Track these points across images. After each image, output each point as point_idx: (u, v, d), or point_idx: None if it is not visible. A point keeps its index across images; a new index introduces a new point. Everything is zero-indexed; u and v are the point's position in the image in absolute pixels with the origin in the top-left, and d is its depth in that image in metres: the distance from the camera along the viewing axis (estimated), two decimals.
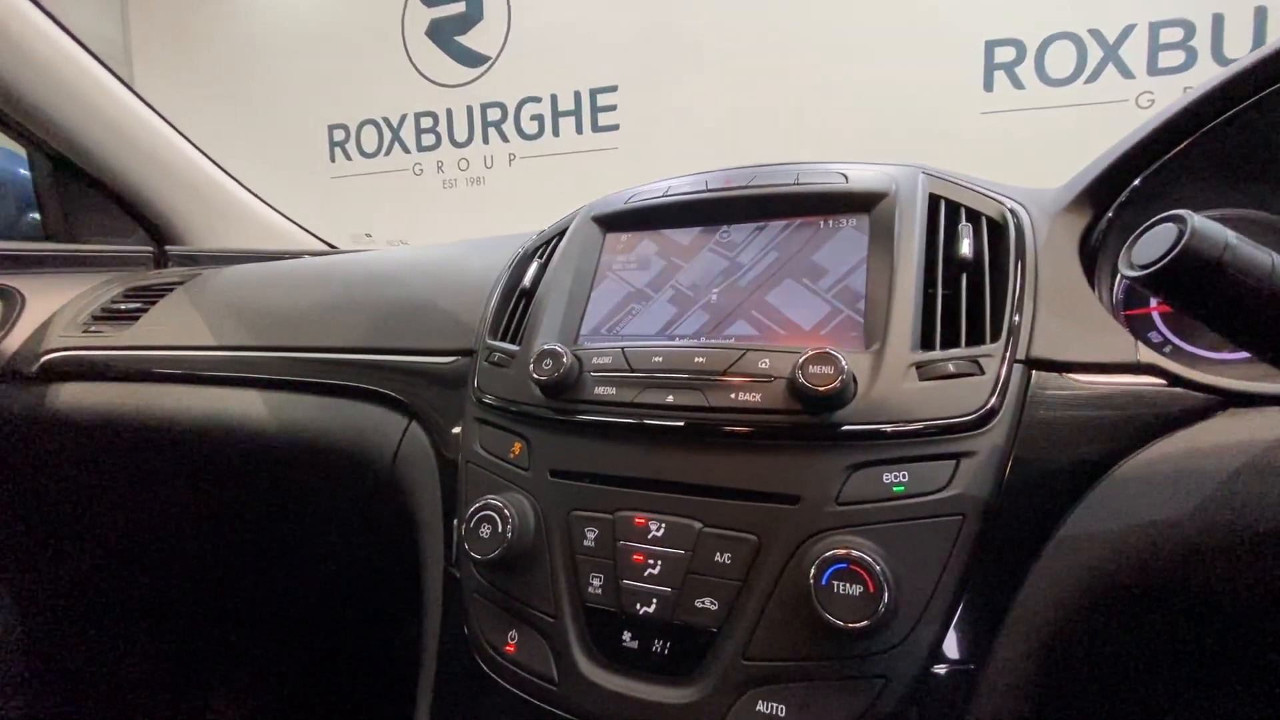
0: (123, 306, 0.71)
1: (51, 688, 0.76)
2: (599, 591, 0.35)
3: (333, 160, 4.28)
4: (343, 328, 0.58)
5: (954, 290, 0.37)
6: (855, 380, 0.33)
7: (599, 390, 0.39)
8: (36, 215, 0.87)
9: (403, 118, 4.07)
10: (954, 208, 0.40)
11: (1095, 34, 2.57)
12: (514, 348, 0.45)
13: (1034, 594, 0.30)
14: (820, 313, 0.39)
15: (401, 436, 0.51)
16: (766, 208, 0.44)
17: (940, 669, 0.31)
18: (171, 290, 0.72)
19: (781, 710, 0.30)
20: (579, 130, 3.56)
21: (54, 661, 0.77)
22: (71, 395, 0.67)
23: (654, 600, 0.34)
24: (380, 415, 0.53)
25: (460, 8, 3.79)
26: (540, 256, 0.51)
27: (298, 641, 0.77)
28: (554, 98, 3.61)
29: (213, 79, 4.21)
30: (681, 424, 0.36)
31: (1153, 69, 2.51)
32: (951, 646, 0.31)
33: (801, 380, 0.32)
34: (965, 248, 0.37)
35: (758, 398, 0.34)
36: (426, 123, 4.02)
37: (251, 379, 0.60)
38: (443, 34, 3.85)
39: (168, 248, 0.86)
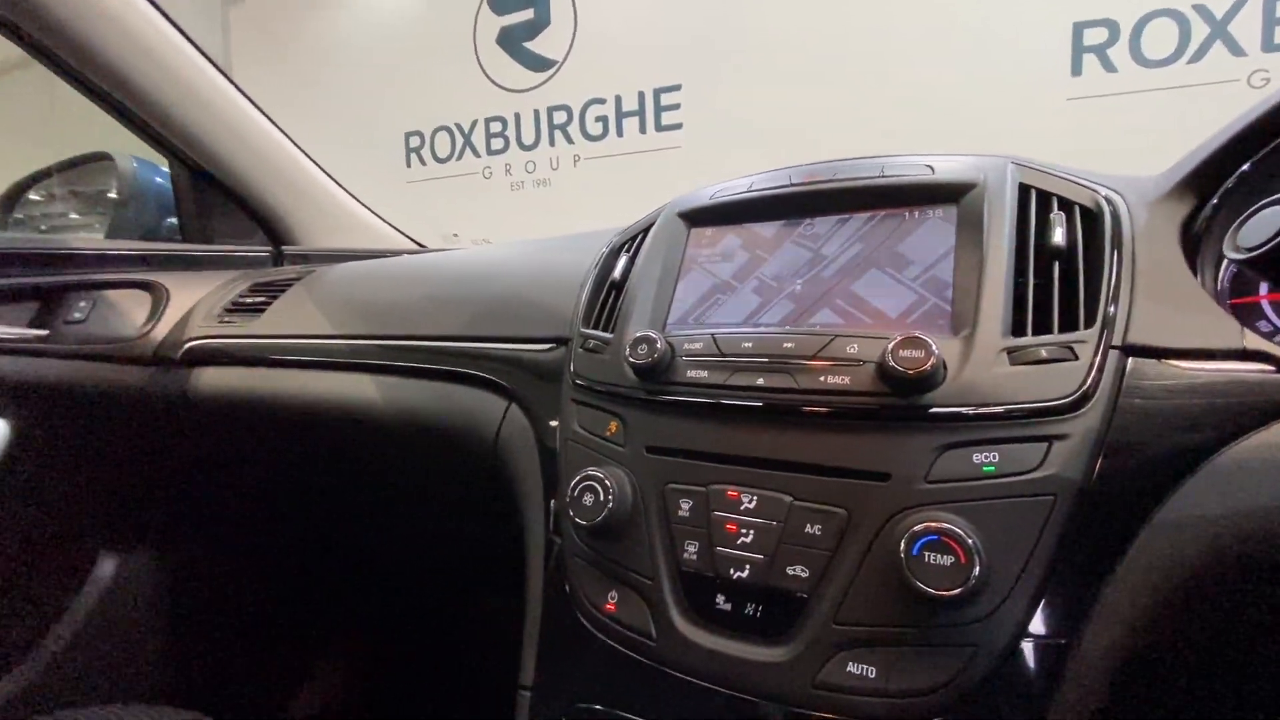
0: (249, 300, 0.80)
1: (187, 636, 0.87)
2: (694, 557, 0.38)
3: (408, 166, 4.49)
4: (446, 318, 0.63)
5: (1046, 280, 0.37)
6: (945, 365, 0.34)
7: (691, 374, 0.41)
8: (174, 220, 0.97)
9: (473, 123, 4.22)
10: (1045, 197, 0.40)
11: (1200, 9, 2.38)
12: (608, 335, 0.48)
13: (1129, 575, 0.31)
14: (906, 301, 0.40)
15: (502, 417, 0.55)
16: (851, 200, 0.45)
17: (1030, 642, 0.31)
18: (290, 286, 0.80)
19: (871, 672, 0.32)
20: (642, 130, 3.60)
21: (189, 613, 0.87)
22: (209, 379, 0.76)
23: (747, 566, 0.36)
24: (483, 398, 0.57)
25: (529, 14, 3.89)
26: (628, 250, 0.54)
27: (408, 603, 0.84)
28: (618, 99, 3.66)
29: (303, 93, 4.49)
30: (772, 405, 0.38)
31: (1268, 44, 2.30)
32: (1042, 622, 0.31)
33: (891, 364, 0.33)
34: (1058, 236, 0.38)
35: (846, 381, 0.36)
36: (496, 127, 4.15)
37: (365, 364, 0.66)
38: (512, 40, 3.97)
39: (284, 248, 0.95)
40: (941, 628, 0.31)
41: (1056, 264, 0.37)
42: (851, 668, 0.32)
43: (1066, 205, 0.39)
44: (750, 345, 0.40)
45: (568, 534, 0.44)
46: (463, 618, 0.74)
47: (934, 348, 0.33)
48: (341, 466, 0.73)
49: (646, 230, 0.54)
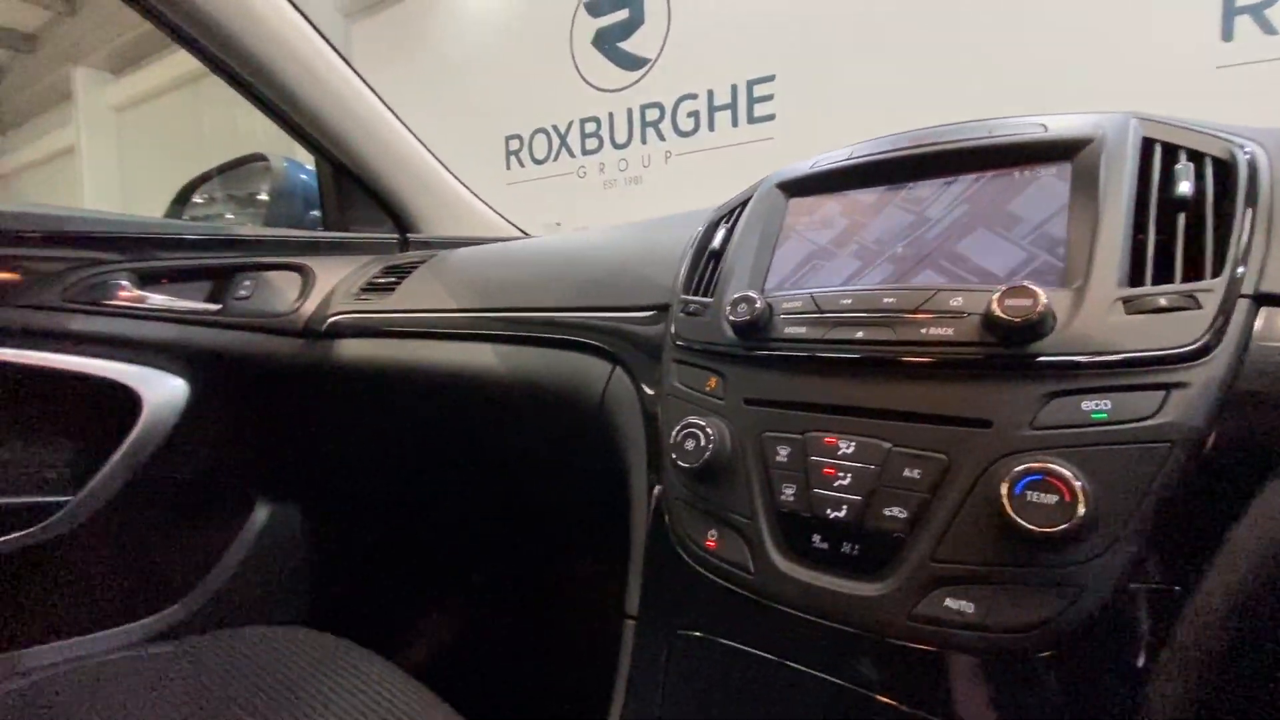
0: (381, 280, 0.89)
1: (325, 573, 0.99)
2: (791, 498, 0.39)
3: (508, 168, 4.72)
4: (555, 292, 0.68)
5: (1169, 234, 0.36)
6: (1054, 315, 0.34)
7: (789, 330, 0.42)
8: (316, 212, 1.10)
9: (569, 124, 4.37)
10: (1171, 150, 0.38)
11: None
12: (707, 299, 0.50)
13: (1253, 526, 0.30)
14: (1015, 259, 0.39)
15: (608, 379, 0.59)
16: (957, 162, 0.44)
17: (1138, 588, 0.31)
18: (416, 268, 0.89)
19: (969, 607, 0.32)
20: (734, 123, 3.59)
21: (328, 553, 0.99)
22: (349, 349, 0.85)
23: (844, 507, 0.37)
24: (589, 362, 0.61)
25: (623, 14, 3.98)
26: (726, 222, 0.55)
27: (522, 546, 0.91)
28: (710, 93, 3.67)
29: (414, 101, 4.82)
30: (871, 356, 0.39)
31: None
32: (1154, 567, 0.31)
33: (997, 313, 0.33)
34: (1184, 187, 0.36)
35: (949, 332, 0.36)
36: (590, 128, 4.27)
37: (483, 334, 0.72)
38: (607, 41, 4.07)
39: (409, 235, 1.05)
40: (1044, 568, 0.31)
41: (1182, 216, 0.36)
42: (949, 603, 0.33)
43: (1196, 157, 0.38)
44: (849, 302, 0.41)
45: (669, 479, 0.46)
46: (572, 558, 0.79)
47: (1042, 297, 0.33)
48: (462, 426, 0.81)
49: (745, 204, 0.55)
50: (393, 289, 0.86)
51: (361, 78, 0.93)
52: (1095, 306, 0.34)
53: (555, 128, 4.43)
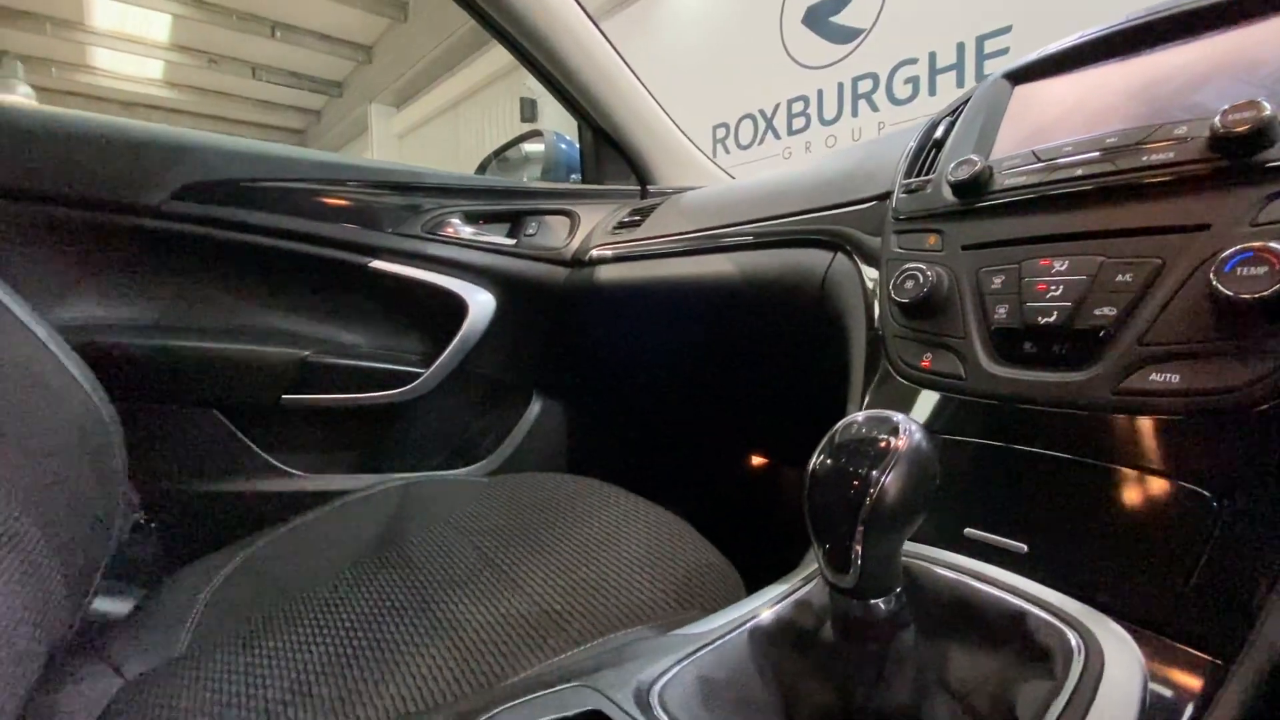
0: (629, 219, 1.08)
1: (585, 449, 1.23)
2: (1004, 316, 0.43)
3: (714, 156, 4.89)
4: (782, 202, 0.79)
5: None
6: None
7: (1009, 181, 0.46)
8: (576, 175, 1.34)
9: (775, 107, 4.39)
10: None
11: None
12: (928, 177, 0.54)
13: None
14: (1254, 96, 0.41)
15: (829, 265, 0.68)
16: (1194, 24, 0.45)
17: None
18: (656, 208, 1.06)
19: (1175, 379, 0.35)
20: (959, 84, 3.33)
21: (587, 433, 1.24)
22: (606, 273, 1.06)
23: (1055, 313, 0.39)
24: (812, 255, 0.71)
25: None
26: (950, 117, 0.59)
27: (748, 410, 1.06)
28: (932, 56, 3.44)
29: None
30: (1090, 188, 0.42)
31: None
32: None
33: (1220, 128, 0.36)
34: None
35: (1171, 155, 0.38)
36: (798, 107, 4.25)
37: (717, 247, 0.86)
38: (818, 17, 4.02)
39: (648, 186, 1.24)
40: (1250, 339, 0.33)
41: None
42: (1154, 376, 0.35)
43: None
44: (1070, 148, 0.44)
45: (886, 318, 0.52)
46: (792, 410, 0.89)
47: (1268, 107, 0.35)
48: (700, 323, 0.96)
49: (968, 101, 0.60)
50: (639, 224, 1.05)
51: (622, 57, 1.13)
52: None
53: (761, 111, 4.49)
